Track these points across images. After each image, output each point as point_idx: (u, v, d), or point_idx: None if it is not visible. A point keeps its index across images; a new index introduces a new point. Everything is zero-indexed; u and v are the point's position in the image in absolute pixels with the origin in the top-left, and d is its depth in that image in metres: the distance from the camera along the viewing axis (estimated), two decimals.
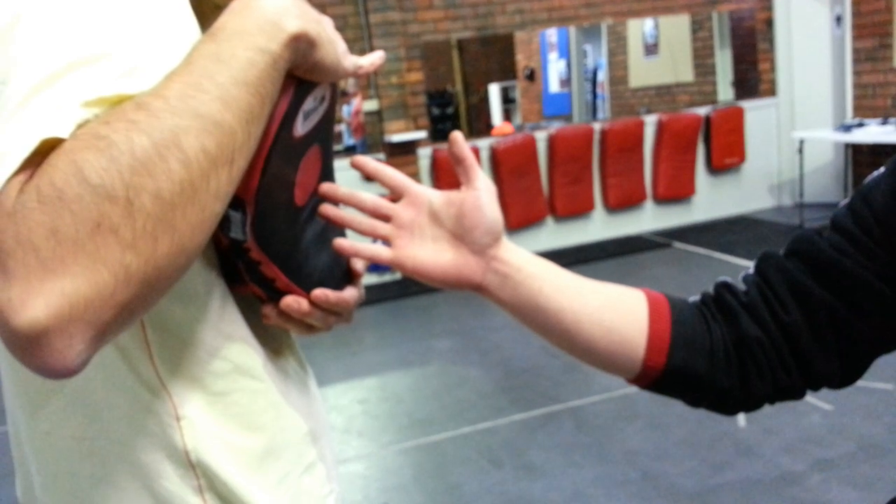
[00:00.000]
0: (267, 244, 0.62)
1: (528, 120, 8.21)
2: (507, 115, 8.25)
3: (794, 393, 0.70)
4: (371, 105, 5.49)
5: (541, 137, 5.82)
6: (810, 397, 2.99)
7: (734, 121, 6.23)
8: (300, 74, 0.59)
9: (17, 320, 0.42)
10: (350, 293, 0.72)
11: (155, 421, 0.60)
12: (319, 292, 0.67)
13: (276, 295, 0.66)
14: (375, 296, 5.36)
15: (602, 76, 7.90)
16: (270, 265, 0.63)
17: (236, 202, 0.58)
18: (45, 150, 0.44)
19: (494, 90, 8.29)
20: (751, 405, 0.71)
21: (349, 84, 6.06)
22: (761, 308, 0.68)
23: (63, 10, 0.50)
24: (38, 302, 0.42)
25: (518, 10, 5.74)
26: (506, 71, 8.43)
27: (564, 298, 0.67)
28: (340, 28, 5.32)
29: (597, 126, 5.98)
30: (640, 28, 7.25)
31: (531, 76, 8.53)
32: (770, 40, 6.43)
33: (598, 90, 8.00)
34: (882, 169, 0.68)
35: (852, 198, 0.69)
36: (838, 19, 6.09)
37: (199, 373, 0.62)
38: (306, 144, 0.64)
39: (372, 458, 3.03)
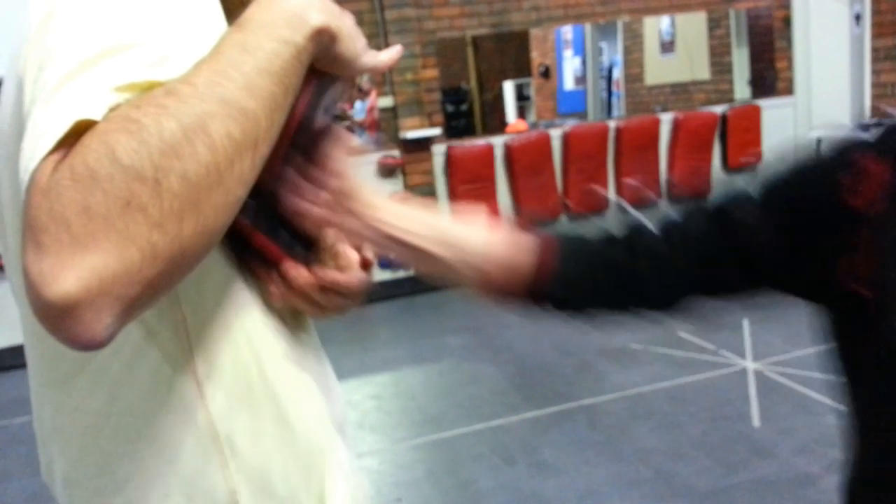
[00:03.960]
0: (261, 226, 0.65)
1: (543, 117, 8.19)
2: (522, 113, 8.22)
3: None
4: (386, 101, 5.50)
5: (555, 135, 5.80)
6: (825, 398, 2.98)
7: (751, 119, 6.18)
8: (321, 67, 0.60)
9: (48, 293, 0.43)
10: (351, 276, 0.72)
11: (178, 397, 0.62)
12: (318, 270, 0.69)
13: (274, 267, 0.68)
14: (388, 292, 5.37)
15: (617, 74, 7.86)
16: (271, 246, 0.66)
17: (254, 190, 0.58)
18: (79, 132, 0.46)
19: (509, 87, 8.26)
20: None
21: (364, 80, 6.07)
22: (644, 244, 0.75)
23: (96, 2, 0.52)
24: (70, 275, 0.43)
25: (534, 7, 5.72)
26: (520, 68, 8.40)
27: (447, 250, 0.72)
28: (356, 24, 5.33)
29: (612, 124, 5.96)
30: (656, 25, 7.21)
31: (546, 73, 8.51)
32: (788, 38, 6.37)
33: (614, 88, 7.96)
34: (783, 164, 0.71)
35: (768, 172, 0.72)
36: (857, 17, 6.03)
37: (222, 351, 0.64)
38: (322, 137, 0.66)
39: (385, 453, 3.04)
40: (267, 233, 0.66)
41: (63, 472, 0.67)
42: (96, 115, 0.46)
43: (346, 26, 0.61)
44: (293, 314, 0.73)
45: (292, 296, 0.69)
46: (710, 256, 0.72)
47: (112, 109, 0.47)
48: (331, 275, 0.69)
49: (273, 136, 0.54)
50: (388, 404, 3.54)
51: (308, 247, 0.70)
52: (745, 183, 0.72)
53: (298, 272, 0.68)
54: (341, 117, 0.73)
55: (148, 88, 0.49)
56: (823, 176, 0.67)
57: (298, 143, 0.61)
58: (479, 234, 0.74)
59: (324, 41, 0.58)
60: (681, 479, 2.57)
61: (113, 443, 0.63)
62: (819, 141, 0.71)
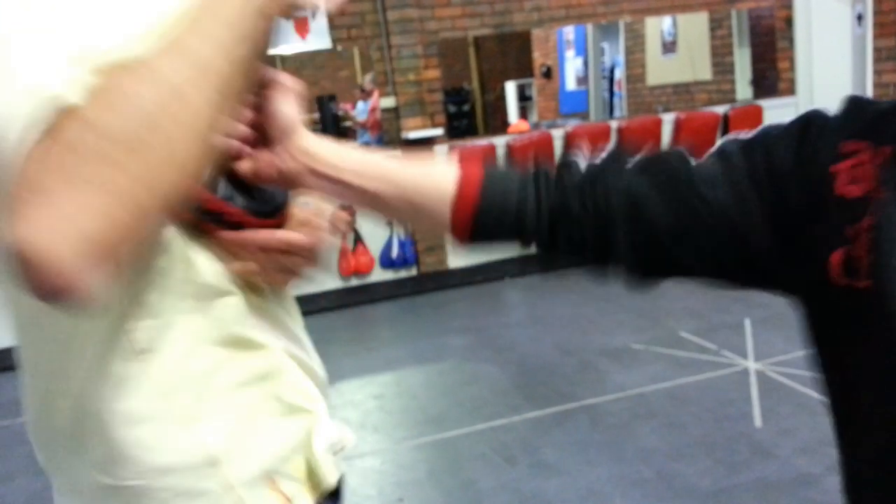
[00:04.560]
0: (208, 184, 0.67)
1: (545, 118, 8.19)
2: (524, 113, 8.23)
3: (593, 258, 0.73)
4: (388, 102, 5.50)
5: (557, 135, 5.80)
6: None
7: (753, 120, 6.18)
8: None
9: (32, 249, 0.46)
10: (292, 235, 0.75)
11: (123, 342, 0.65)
12: (274, 233, 0.71)
13: (230, 228, 0.70)
14: (390, 292, 5.37)
15: (619, 74, 7.86)
16: (210, 196, 0.68)
17: None
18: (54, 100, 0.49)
19: (511, 88, 8.27)
20: (559, 254, 0.74)
21: (366, 81, 6.08)
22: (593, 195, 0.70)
23: None
24: (52, 233, 0.46)
25: (535, 8, 5.72)
26: (522, 68, 8.41)
27: (368, 182, 0.72)
28: (358, 25, 5.34)
29: (614, 124, 5.96)
30: (657, 26, 7.21)
31: (548, 74, 8.51)
32: (790, 38, 6.37)
33: (616, 88, 7.96)
34: (788, 122, 0.68)
35: (752, 141, 0.69)
36: (859, 18, 6.03)
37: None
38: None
39: (387, 453, 3.04)
40: (223, 194, 0.68)
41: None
42: (68, 83, 0.49)
43: None
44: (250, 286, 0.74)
45: (247, 257, 0.71)
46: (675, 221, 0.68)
47: (84, 76, 0.49)
48: (289, 235, 0.72)
49: (241, 90, 0.57)
50: (389, 404, 3.55)
51: (261, 202, 0.72)
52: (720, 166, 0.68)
53: (259, 234, 0.70)
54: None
55: (114, 58, 0.51)
56: (812, 166, 0.64)
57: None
58: (413, 168, 0.74)
59: None
60: (682, 479, 2.57)
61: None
62: (803, 127, 0.68)
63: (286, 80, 0.71)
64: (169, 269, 0.66)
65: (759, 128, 0.70)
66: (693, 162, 0.70)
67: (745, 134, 0.70)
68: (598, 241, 0.70)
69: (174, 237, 0.66)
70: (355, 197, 0.73)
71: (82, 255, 0.46)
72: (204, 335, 0.69)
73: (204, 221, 0.69)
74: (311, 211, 0.79)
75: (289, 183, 0.72)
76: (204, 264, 0.69)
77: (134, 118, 0.48)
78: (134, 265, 0.61)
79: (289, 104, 0.71)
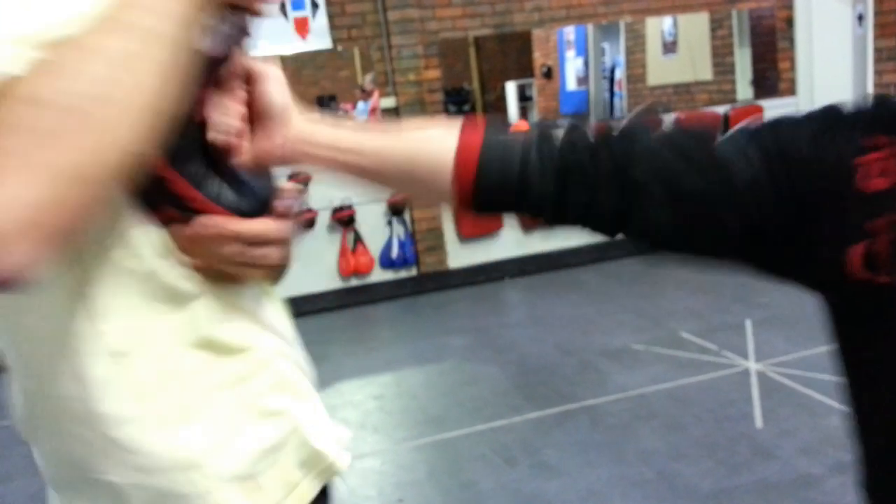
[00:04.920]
0: (174, 162, 0.65)
1: (546, 118, 8.18)
2: (524, 113, 8.22)
3: (606, 222, 0.70)
4: (388, 102, 5.50)
5: None
6: (828, 399, 2.97)
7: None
8: None
9: None
10: (254, 224, 0.72)
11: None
12: (228, 222, 0.69)
13: (192, 215, 0.68)
14: (390, 292, 5.37)
15: (620, 74, 7.86)
16: (182, 182, 0.66)
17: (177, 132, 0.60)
18: None
19: (511, 88, 8.27)
20: (566, 219, 0.72)
21: (366, 81, 6.07)
22: (612, 155, 0.67)
23: None
24: None
25: (536, 8, 5.72)
26: (523, 69, 8.41)
27: (362, 161, 0.71)
28: (359, 25, 5.33)
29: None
30: (658, 26, 7.21)
31: (548, 74, 8.50)
32: (790, 39, 6.36)
33: (616, 88, 7.95)
34: (804, 114, 0.67)
35: (763, 128, 0.67)
36: (860, 18, 6.02)
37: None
38: (212, 66, 0.66)
39: (387, 454, 3.04)
40: (190, 179, 0.66)
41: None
42: (12, 68, 0.49)
43: None
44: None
45: (207, 251, 0.69)
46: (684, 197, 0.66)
47: (26, 58, 0.49)
48: (263, 226, 0.71)
49: (183, 63, 0.56)
50: (389, 405, 3.54)
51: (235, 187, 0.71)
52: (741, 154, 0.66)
53: (230, 222, 0.69)
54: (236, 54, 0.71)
55: (51, 36, 0.51)
56: (830, 158, 0.62)
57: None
58: (411, 140, 0.73)
59: None
60: (683, 479, 2.56)
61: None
62: (820, 118, 0.65)
63: (271, 68, 0.72)
64: (135, 270, 0.65)
65: (773, 118, 0.68)
66: (716, 143, 0.67)
67: (758, 123, 0.68)
68: (619, 203, 0.67)
69: (140, 237, 0.65)
70: (356, 175, 0.73)
71: (26, 234, 0.46)
72: (179, 338, 0.69)
73: (169, 209, 0.67)
74: (285, 197, 0.78)
75: (287, 164, 0.73)
76: (169, 267, 0.68)
77: (76, 92, 0.48)
78: (89, 248, 0.62)
79: (279, 91, 0.72)
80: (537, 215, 0.72)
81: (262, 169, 0.74)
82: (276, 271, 0.79)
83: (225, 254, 0.70)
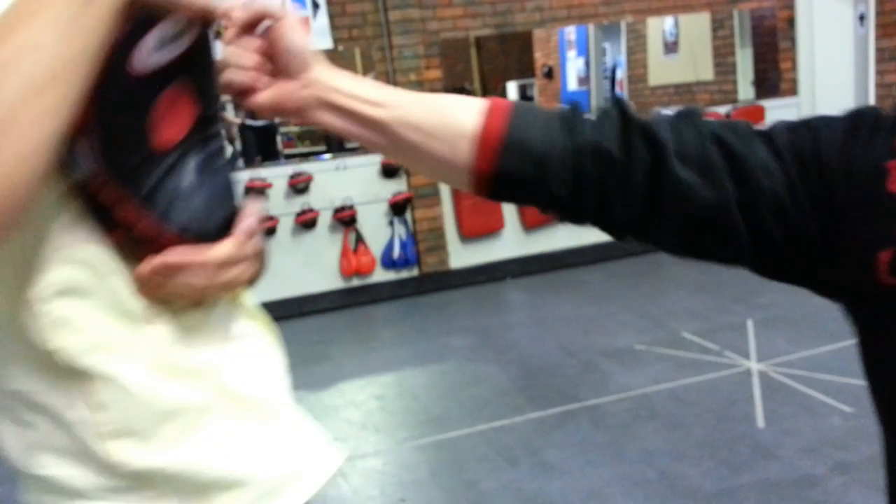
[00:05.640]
0: (122, 183, 0.64)
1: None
2: None
3: (618, 228, 0.68)
4: None
5: None
6: (830, 399, 2.97)
7: (755, 120, 6.13)
8: (141, 8, 0.61)
9: None
10: (226, 247, 0.71)
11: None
12: (172, 254, 0.67)
13: (142, 240, 0.67)
14: (392, 292, 5.37)
15: (621, 74, 7.85)
16: (128, 206, 0.64)
17: (76, 130, 0.60)
18: None
19: (512, 88, 8.26)
20: (581, 219, 0.69)
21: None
22: (649, 142, 0.65)
23: None
24: None
25: (537, 8, 5.72)
26: (524, 69, 8.40)
27: (385, 113, 0.68)
28: (360, 25, 5.33)
29: None
30: (659, 26, 7.20)
31: (549, 74, 8.50)
32: (792, 39, 6.36)
33: (617, 88, 7.95)
34: (837, 115, 0.65)
35: (799, 125, 0.66)
36: (861, 18, 6.02)
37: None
38: (163, 80, 0.65)
39: (388, 453, 3.04)
40: (140, 200, 0.65)
41: None
42: None
43: None
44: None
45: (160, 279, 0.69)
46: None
47: None
48: (225, 251, 0.69)
49: (76, 74, 0.56)
50: (391, 405, 3.54)
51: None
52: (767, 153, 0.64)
53: (157, 261, 0.67)
54: (195, 61, 0.69)
55: None
56: (861, 161, 0.61)
57: (114, 81, 0.61)
58: (435, 100, 0.70)
59: None
60: (685, 479, 2.56)
61: None
62: (853, 120, 0.64)
63: (292, 12, 0.70)
64: (91, 290, 0.65)
65: (807, 118, 0.67)
66: (757, 141, 0.65)
67: (791, 121, 0.67)
68: (648, 194, 0.64)
69: (96, 259, 0.65)
70: (371, 131, 0.69)
71: None
72: (136, 359, 0.68)
73: (119, 232, 0.66)
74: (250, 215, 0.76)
75: (300, 116, 0.71)
76: (124, 286, 0.67)
77: None
78: (33, 261, 0.62)
79: (298, 33, 0.69)
80: (552, 204, 0.68)
81: (282, 114, 0.71)
82: (250, 281, 0.78)
83: (193, 283, 0.69)
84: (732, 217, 0.63)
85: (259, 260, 0.76)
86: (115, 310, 0.67)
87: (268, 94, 0.70)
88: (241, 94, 0.70)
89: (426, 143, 0.68)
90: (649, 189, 0.64)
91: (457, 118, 0.68)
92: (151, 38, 0.63)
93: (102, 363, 0.66)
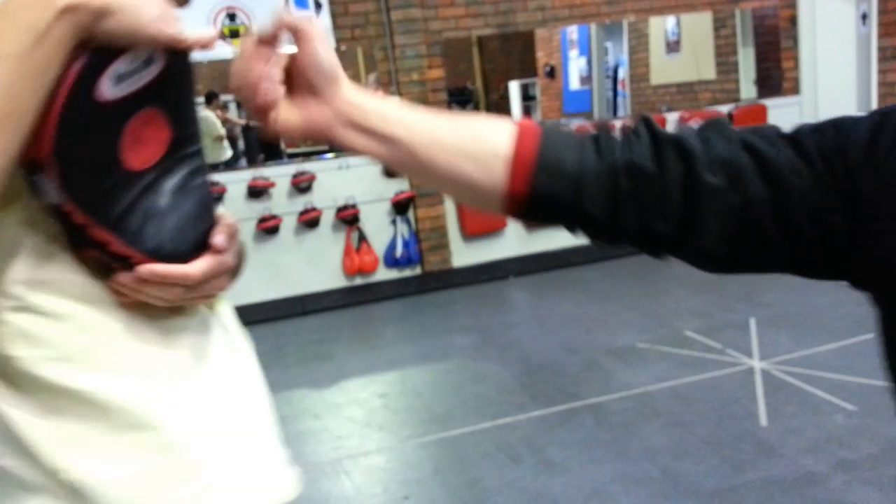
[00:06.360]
0: (91, 208, 0.65)
1: (549, 117, 8.19)
2: (528, 113, 8.23)
3: (658, 243, 0.67)
4: None
5: None
6: (832, 397, 2.97)
7: (757, 119, 6.18)
8: (101, 41, 0.61)
9: None
10: (197, 266, 0.72)
11: None
12: (145, 269, 0.68)
13: (116, 259, 0.68)
14: (395, 291, 5.38)
15: (623, 73, 7.85)
16: (98, 229, 0.66)
17: (35, 165, 0.61)
18: None
19: (514, 87, 8.27)
20: (617, 238, 0.68)
21: (370, 81, 6.08)
22: (680, 153, 0.65)
23: None
24: None
25: (539, 7, 5.73)
26: (526, 68, 8.40)
27: (414, 134, 0.66)
28: (362, 25, 5.34)
29: (617, 123, 5.96)
30: (661, 25, 7.21)
31: (551, 73, 8.50)
32: (794, 38, 6.36)
33: (619, 87, 7.95)
34: (863, 114, 0.66)
35: (824, 126, 0.66)
36: (864, 17, 6.02)
37: None
38: (131, 107, 0.66)
39: (392, 451, 3.05)
40: (100, 222, 0.66)
41: None
42: None
43: (118, 0, 0.61)
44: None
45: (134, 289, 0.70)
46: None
47: None
48: (153, 270, 0.69)
49: (28, 112, 0.57)
50: (395, 403, 3.55)
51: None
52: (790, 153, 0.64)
53: (129, 278, 0.68)
54: (167, 84, 0.68)
55: None
56: (887, 160, 0.61)
57: (76, 114, 0.62)
58: (464, 122, 0.68)
59: (81, 19, 0.59)
60: (688, 477, 2.57)
61: None
62: (879, 120, 0.64)
63: (318, 26, 0.67)
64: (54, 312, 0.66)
65: (833, 117, 0.67)
66: (784, 143, 0.65)
67: (817, 122, 0.67)
68: (684, 205, 0.64)
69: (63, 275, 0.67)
70: (400, 154, 0.67)
71: None
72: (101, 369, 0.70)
73: (91, 251, 0.68)
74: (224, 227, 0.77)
75: (327, 137, 0.68)
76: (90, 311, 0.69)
77: None
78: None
79: (327, 50, 0.67)
80: (587, 225, 0.68)
81: (310, 137, 0.69)
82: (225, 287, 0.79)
83: (169, 297, 0.70)
84: (763, 220, 0.63)
85: (234, 271, 0.77)
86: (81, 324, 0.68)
87: (294, 116, 0.67)
88: (261, 112, 0.67)
89: (457, 164, 0.66)
90: (683, 200, 0.64)
91: (489, 140, 0.67)
92: (118, 66, 0.64)
93: (63, 374, 0.67)
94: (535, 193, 0.66)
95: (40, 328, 0.66)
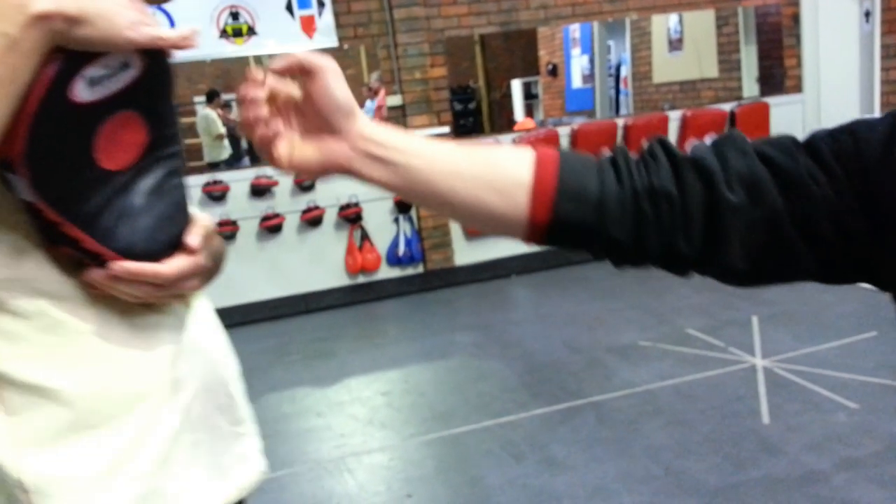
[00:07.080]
0: (63, 206, 0.66)
1: (551, 115, 8.19)
2: (530, 111, 8.23)
3: (684, 264, 0.68)
4: (395, 100, 5.51)
5: (563, 133, 5.80)
6: (835, 395, 2.97)
7: (759, 117, 6.17)
8: (74, 48, 0.62)
9: None
10: (169, 265, 0.73)
11: None
12: (117, 266, 0.69)
13: (89, 256, 0.69)
14: (398, 289, 5.39)
15: (625, 71, 7.85)
16: (70, 226, 0.67)
17: (8, 164, 0.63)
18: None
19: (517, 86, 8.27)
20: (641, 260, 0.69)
21: (372, 80, 6.08)
22: (699, 173, 0.65)
23: None
24: None
25: (542, 6, 5.72)
26: (528, 66, 8.40)
27: (433, 165, 0.66)
28: (365, 23, 5.34)
29: (620, 122, 5.96)
30: (664, 23, 7.20)
31: (554, 72, 8.50)
32: (796, 36, 6.35)
33: (622, 86, 7.95)
34: (878, 116, 0.66)
35: (839, 130, 0.66)
36: (867, 14, 6.01)
37: None
38: (105, 110, 0.67)
39: (395, 449, 3.06)
40: (73, 221, 0.67)
41: None
42: None
43: (92, 7, 0.61)
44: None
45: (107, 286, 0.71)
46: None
47: None
48: (126, 268, 0.70)
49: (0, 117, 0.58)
50: (397, 401, 3.56)
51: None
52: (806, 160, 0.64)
53: (100, 274, 0.70)
54: (144, 87, 0.70)
55: None
56: None
57: (49, 117, 0.63)
58: (482, 152, 0.68)
59: (55, 26, 0.59)
60: (690, 475, 2.57)
61: None
62: (894, 122, 0.64)
63: (330, 62, 0.66)
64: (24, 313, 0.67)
65: (849, 122, 0.67)
66: (800, 151, 0.66)
67: (832, 128, 0.67)
68: (706, 225, 0.65)
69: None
70: (419, 187, 0.67)
71: None
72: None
73: (65, 247, 0.69)
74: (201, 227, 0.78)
75: (344, 171, 0.68)
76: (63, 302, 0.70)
77: None
78: None
79: (340, 85, 0.66)
80: (611, 249, 0.68)
81: (327, 172, 0.68)
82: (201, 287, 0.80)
83: (140, 294, 0.72)
84: (785, 230, 0.64)
85: (210, 269, 0.78)
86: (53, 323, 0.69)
87: (311, 153, 0.67)
88: (264, 147, 0.67)
89: (478, 195, 0.67)
90: (705, 220, 0.65)
91: (509, 169, 0.67)
92: (92, 70, 0.64)
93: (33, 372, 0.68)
94: (559, 220, 0.66)
95: (9, 326, 0.67)
